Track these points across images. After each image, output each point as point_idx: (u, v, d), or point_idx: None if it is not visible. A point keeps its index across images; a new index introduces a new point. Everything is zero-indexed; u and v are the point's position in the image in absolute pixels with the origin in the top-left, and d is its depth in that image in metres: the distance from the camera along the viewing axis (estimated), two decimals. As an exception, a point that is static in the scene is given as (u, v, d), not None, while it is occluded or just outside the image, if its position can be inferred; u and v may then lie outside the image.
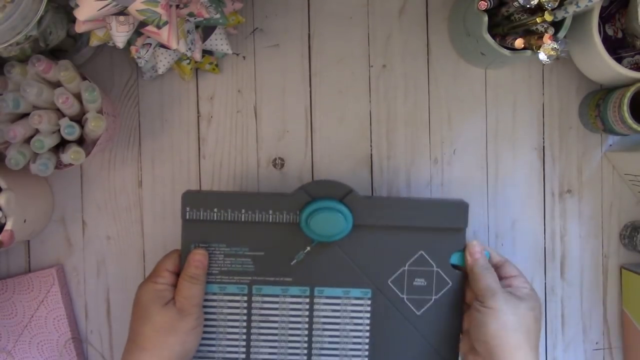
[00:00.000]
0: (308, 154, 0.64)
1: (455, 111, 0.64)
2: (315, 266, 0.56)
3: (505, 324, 0.50)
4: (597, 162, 0.65)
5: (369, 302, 0.57)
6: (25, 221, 0.56)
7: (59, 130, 0.53)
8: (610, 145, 0.65)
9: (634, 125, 0.56)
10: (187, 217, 0.56)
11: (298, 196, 0.55)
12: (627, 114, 0.55)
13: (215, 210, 0.55)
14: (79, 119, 0.55)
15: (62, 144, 0.56)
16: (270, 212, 0.55)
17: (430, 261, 0.57)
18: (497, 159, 0.65)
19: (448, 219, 0.56)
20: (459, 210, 0.56)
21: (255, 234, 0.56)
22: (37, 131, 0.52)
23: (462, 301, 0.57)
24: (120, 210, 0.63)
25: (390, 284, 0.57)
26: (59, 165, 0.55)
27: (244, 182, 0.64)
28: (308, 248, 0.56)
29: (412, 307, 0.57)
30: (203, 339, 0.56)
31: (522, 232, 0.65)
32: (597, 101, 0.61)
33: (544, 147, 0.65)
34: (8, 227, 0.53)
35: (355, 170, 0.64)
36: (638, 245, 0.62)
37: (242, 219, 0.55)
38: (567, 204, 0.65)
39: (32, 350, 0.62)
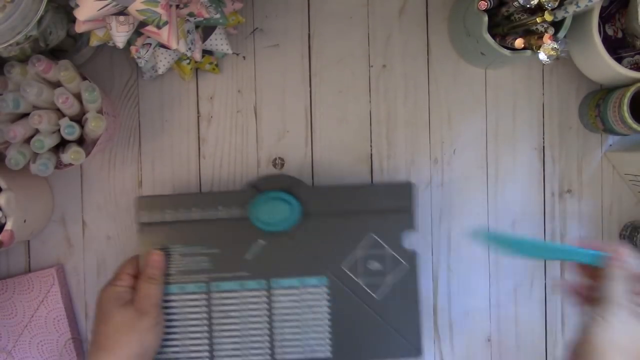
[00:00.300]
0: (308, 154, 0.64)
1: (455, 111, 0.64)
2: (270, 258, 0.57)
3: (613, 342, 0.45)
4: (597, 162, 0.65)
5: (326, 289, 0.57)
6: (25, 221, 0.56)
7: (59, 130, 0.53)
8: (610, 145, 0.65)
9: (634, 125, 0.56)
10: (142, 221, 0.57)
11: (246, 191, 0.57)
12: (627, 114, 0.55)
13: (168, 211, 0.57)
14: (79, 119, 0.55)
15: (62, 144, 0.56)
16: (220, 208, 0.57)
17: (382, 244, 0.57)
18: (497, 159, 0.65)
19: (394, 201, 0.57)
20: (403, 191, 0.57)
21: (209, 232, 0.57)
22: (37, 131, 0.52)
23: (419, 281, 0.58)
24: (120, 210, 0.63)
25: (344, 269, 0.58)
26: (59, 165, 0.55)
27: (244, 182, 0.64)
28: (260, 241, 0.57)
29: (370, 291, 0.57)
30: (166, 339, 0.57)
31: (522, 232, 0.65)
32: (597, 101, 0.61)
33: (544, 147, 0.65)
34: (8, 227, 0.53)
35: (355, 170, 0.64)
36: (638, 245, 0.62)
37: (195, 218, 0.57)
38: (567, 204, 0.65)
39: (32, 350, 0.62)
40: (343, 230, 0.57)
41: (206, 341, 0.57)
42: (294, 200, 0.56)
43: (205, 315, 0.57)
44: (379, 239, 0.57)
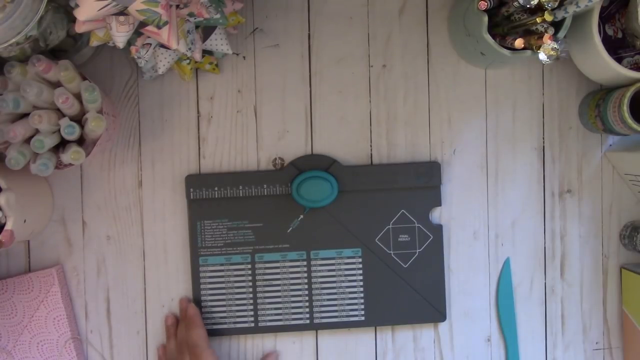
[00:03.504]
0: (308, 153, 0.64)
1: (455, 111, 0.64)
2: (310, 231, 0.63)
3: None
4: (597, 162, 0.65)
5: (360, 260, 0.63)
6: (25, 221, 0.56)
7: (59, 130, 0.53)
8: (610, 145, 0.65)
9: (634, 125, 0.56)
10: (192, 197, 0.62)
11: (288, 170, 0.62)
12: (627, 114, 0.55)
13: (216, 189, 0.62)
14: (79, 119, 0.55)
15: (62, 144, 0.56)
16: (265, 186, 0.62)
17: (411, 218, 0.63)
18: (497, 159, 0.65)
19: (423, 179, 0.62)
20: (431, 169, 0.62)
21: (253, 208, 0.62)
22: (37, 131, 0.52)
23: (443, 252, 0.63)
24: (120, 210, 0.63)
25: (377, 242, 0.63)
26: (59, 165, 0.55)
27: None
28: (301, 216, 0.62)
29: (399, 261, 0.63)
30: (214, 307, 0.63)
31: (522, 232, 0.65)
32: (597, 101, 0.61)
33: (544, 147, 0.65)
34: (8, 227, 0.53)
35: (355, 170, 0.64)
36: (638, 245, 0.62)
37: (240, 195, 0.62)
38: (567, 204, 0.65)
39: (32, 350, 0.62)
40: (377, 206, 0.63)
41: (251, 307, 0.63)
42: (333, 178, 0.61)
43: (250, 283, 0.63)
44: (409, 215, 0.63)
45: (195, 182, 0.62)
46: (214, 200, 0.62)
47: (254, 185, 0.62)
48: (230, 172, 0.63)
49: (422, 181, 0.62)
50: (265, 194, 0.62)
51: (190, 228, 0.62)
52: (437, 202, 0.63)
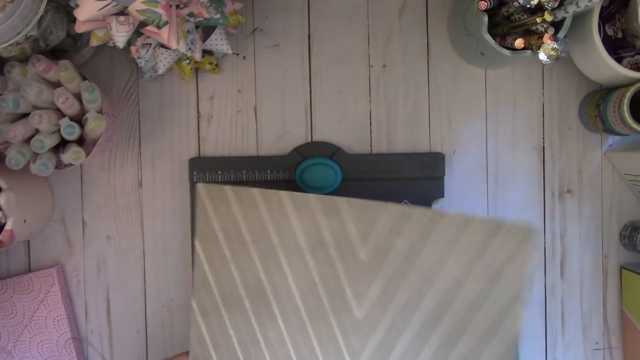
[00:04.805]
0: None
1: (455, 111, 0.64)
2: None
3: None
4: (597, 162, 0.65)
5: None
6: (25, 221, 0.56)
7: (59, 130, 0.53)
8: (610, 145, 0.65)
9: (634, 125, 0.56)
10: (195, 180, 0.62)
11: (292, 156, 0.62)
12: (627, 114, 0.55)
13: (220, 172, 0.62)
14: (79, 119, 0.55)
15: (62, 144, 0.56)
16: (269, 171, 0.62)
17: None
18: (497, 159, 0.65)
19: (427, 169, 0.62)
20: (436, 160, 0.62)
21: None
22: (37, 131, 0.52)
23: None
24: (120, 210, 0.63)
25: None
26: (59, 165, 0.55)
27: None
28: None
29: None
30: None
31: (522, 232, 0.65)
32: (597, 101, 0.61)
33: (544, 147, 0.65)
34: (8, 227, 0.53)
35: (355, 170, 0.64)
36: (638, 245, 0.62)
37: (244, 179, 0.62)
38: (567, 204, 0.65)
39: (32, 350, 0.62)
40: (380, 195, 0.62)
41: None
42: (337, 166, 0.61)
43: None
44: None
45: (199, 165, 0.62)
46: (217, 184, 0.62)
47: (257, 170, 0.62)
48: (234, 156, 0.63)
49: (426, 172, 0.62)
50: (269, 179, 0.62)
51: (192, 211, 0.62)
52: (440, 194, 0.63)
